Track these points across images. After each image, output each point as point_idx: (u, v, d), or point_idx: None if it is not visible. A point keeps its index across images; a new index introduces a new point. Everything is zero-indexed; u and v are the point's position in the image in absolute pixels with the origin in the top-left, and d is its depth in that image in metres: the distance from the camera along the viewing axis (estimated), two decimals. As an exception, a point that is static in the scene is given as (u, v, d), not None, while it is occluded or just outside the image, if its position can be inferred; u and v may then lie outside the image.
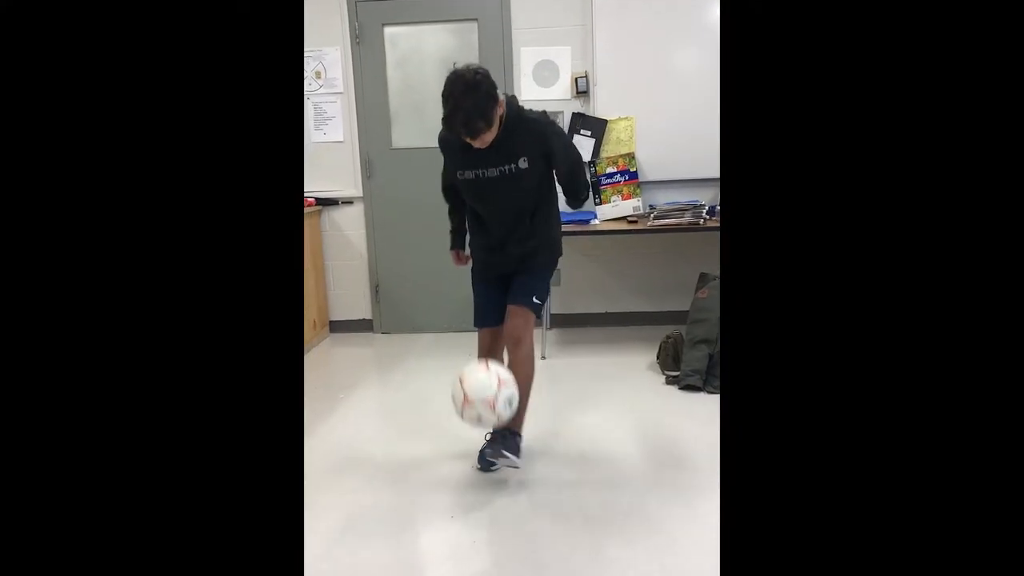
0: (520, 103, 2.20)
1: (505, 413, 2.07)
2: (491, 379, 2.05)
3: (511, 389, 2.08)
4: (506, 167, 2.14)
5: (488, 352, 2.39)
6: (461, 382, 2.07)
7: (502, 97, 2.08)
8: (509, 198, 2.21)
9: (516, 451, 2.23)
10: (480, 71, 2.03)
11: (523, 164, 2.15)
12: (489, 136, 2.07)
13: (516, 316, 2.27)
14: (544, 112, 2.25)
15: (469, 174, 2.19)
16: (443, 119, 2.03)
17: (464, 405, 2.05)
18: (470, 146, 2.11)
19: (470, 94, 1.97)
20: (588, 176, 2.47)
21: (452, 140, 2.17)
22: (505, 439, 2.23)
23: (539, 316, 2.36)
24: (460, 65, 2.06)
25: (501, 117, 2.09)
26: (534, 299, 2.28)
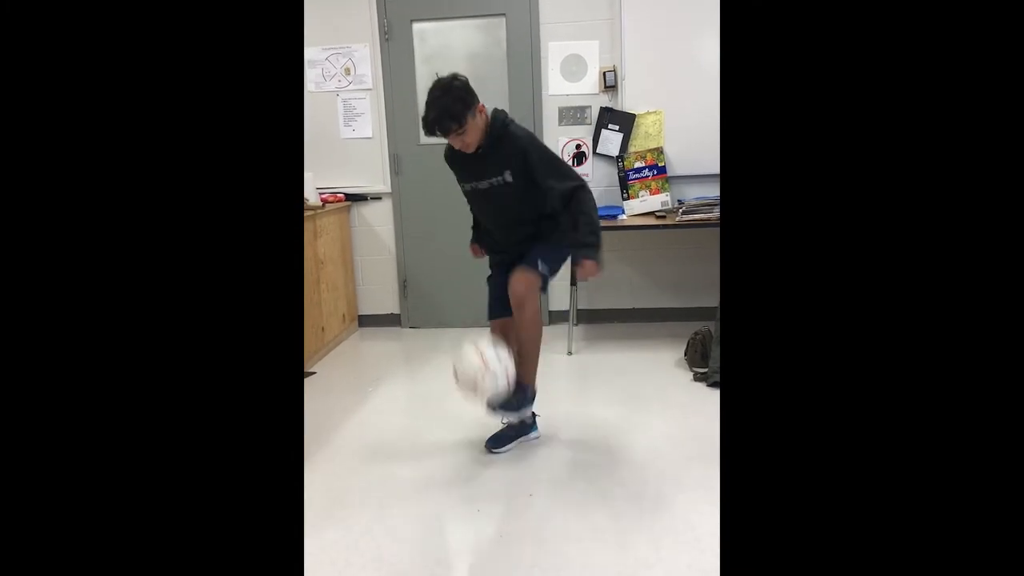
0: (507, 118, 2.27)
1: (491, 388, 2.20)
2: (476, 362, 2.20)
3: (495, 370, 2.20)
4: (495, 179, 2.26)
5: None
6: (454, 370, 2.24)
7: (481, 104, 2.20)
8: (504, 209, 2.33)
9: (521, 405, 2.39)
10: (458, 77, 2.19)
11: (508, 177, 2.25)
12: (468, 139, 2.19)
13: (518, 280, 2.25)
14: (530, 132, 2.32)
15: (467, 186, 2.36)
16: (422, 121, 2.19)
17: (457, 385, 2.25)
18: (465, 158, 2.27)
19: (442, 96, 2.14)
20: (595, 218, 2.26)
21: (453, 154, 2.35)
22: (509, 405, 2.39)
23: (545, 285, 2.34)
24: (444, 75, 2.22)
25: (486, 127, 2.21)
26: (539, 263, 2.26)
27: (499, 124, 2.23)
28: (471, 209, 2.51)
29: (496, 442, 2.46)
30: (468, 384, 2.21)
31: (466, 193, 2.39)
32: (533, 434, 2.53)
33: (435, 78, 2.20)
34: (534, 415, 2.54)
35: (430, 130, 2.18)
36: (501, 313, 2.42)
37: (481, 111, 2.20)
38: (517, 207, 2.30)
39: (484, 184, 2.28)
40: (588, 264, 2.23)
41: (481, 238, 2.59)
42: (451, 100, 2.13)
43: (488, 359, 2.20)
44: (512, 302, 2.28)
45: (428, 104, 2.16)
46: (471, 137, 2.19)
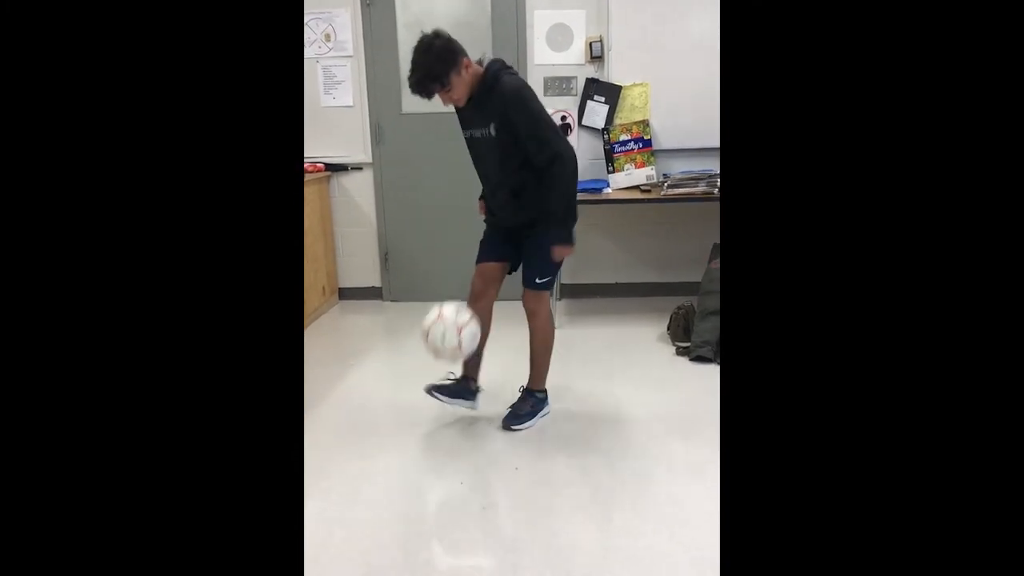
0: (502, 68, 2.20)
1: (466, 343, 2.19)
2: (441, 326, 2.19)
3: (448, 323, 2.19)
4: (484, 130, 2.22)
5: (479, 290, 2.42)
6: (425, 338, 2.23)
7: (467, 59, 2.14)
8: (490, 161, 2.29)
9: (535, 411, 2.46)
10: (440, 35, 2.13)
11: (492, 131, 2.19)
12: (455, 95, 2.16)
13: (527, 298, 2.38)
14: (523, 83, 2.19)
15: (465, 133, 2.32)
16: (408, 79, 2.14)
17: (436, 356, 2.24)
18: (463, 106, 2.23)
19: (422, 57, 2.09)
20: (569, 193, 2.22)
21: None
22: (525, 402, 2.47)
23: (550, 288, 2.43)
24: (427, 32, 2.15)
25: (477, 79, 2.16)
26: (537, 281, 2.34)
27: (491, 75, 2.16)
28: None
29: (515, 419, 2.43)
30: (426, 338, 2.21)
31: (466, 140, 2.34)
32: (545, 409, 2.50)
33: (420, 36, 2.14)
34: (544, 391, 2.52)
35: (414, 92, 2.14)
36: (484, 259, 2.42)
37: (467, 66, 2.14)
38: (499, 164, 2.24)
39: (477, 133, 2.26)
40: (557, 250, 2.26)
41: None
42: (432, 60, 2.08)
43: (445, 314, 2.19)
44: (526, 311, 2.40)
45: (412, 65, 2.12)
46: (458, 93, 2.15)
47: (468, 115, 2.25)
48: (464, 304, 2.28)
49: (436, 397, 2.44)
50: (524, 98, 2.13)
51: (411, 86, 2.13)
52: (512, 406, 2.47)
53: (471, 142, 2.31)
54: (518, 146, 2.17)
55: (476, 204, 2.53)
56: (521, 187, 2.24)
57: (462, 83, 2.13)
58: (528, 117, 2.13)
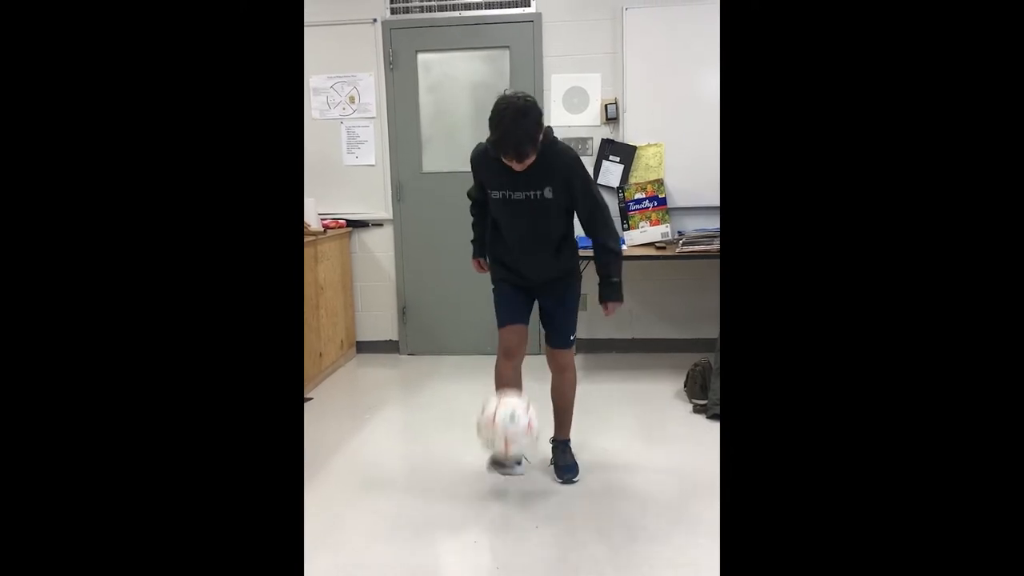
0: (554, 134, 2.24)
1: (513, 451, 2.22)
2: (528, 436, 2.20)
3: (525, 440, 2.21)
4: (532, 193, 2.20)
5: (511, 353, 2.41)
6: (494, 423, 2.17)
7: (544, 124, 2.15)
8: (531, 223, 2.28)
9: (573, 463, 2.50)
10: (529, 98, 2.11)
11: (548, 193, 2.20)
12: (530, 160, 2.12)
13: (559, 356, 2.47)
14: (576, 154, 2.28)
15: (498, 194, 2.27)
16: (493, 142, 2.11)
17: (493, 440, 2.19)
18: (502, 166, 2.17)
19: (520, 120, 2.03)
20: (615, 226, 2.38)
21: (485, 158, 2.26)
22: (562, 457, 2.51)
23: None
24: (509, 91, 2.14)
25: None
26: (571, 339, 2.47)
27: (548, 139, 2.17)
28: (482, 214, 2.47)
29: (571, 471, 2.48)
30: (500, 439, 2.18)
31: (495, 201, 2.29)
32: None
33: (502, 95, 2.11)
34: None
35: (507, 154, 2.07)
36: (514, 320, 2.41)
37: (543, 131, 2.13)
38: (548, 223, 2.27)
39: (520, 195, 2.20)
40: (612, 306, 2.39)
41: (484, 251, 2.54)
42: (531, 124, 2.05)
43: (532, 422, 2.21)
44: (554, 368, 2.49)
45: (506, 128, 2.03)
46: (533, 158, 2.12)
47: (510, 176, 2.18)
48: (521, 415, 2.21)
49: (502, 472, 2.48)
50: (582, 163, 2.26)
51: (506, 149, 2.05)
52: (559, 460, 2.50)
53: (506, 204, 2.25)
54: (567, 209, 2.28)
55: (482, 262, 2.59)
56: (561, 245, 2.34)
57: (537, 148, 2.11)
58: (585, 181, 2.25)
